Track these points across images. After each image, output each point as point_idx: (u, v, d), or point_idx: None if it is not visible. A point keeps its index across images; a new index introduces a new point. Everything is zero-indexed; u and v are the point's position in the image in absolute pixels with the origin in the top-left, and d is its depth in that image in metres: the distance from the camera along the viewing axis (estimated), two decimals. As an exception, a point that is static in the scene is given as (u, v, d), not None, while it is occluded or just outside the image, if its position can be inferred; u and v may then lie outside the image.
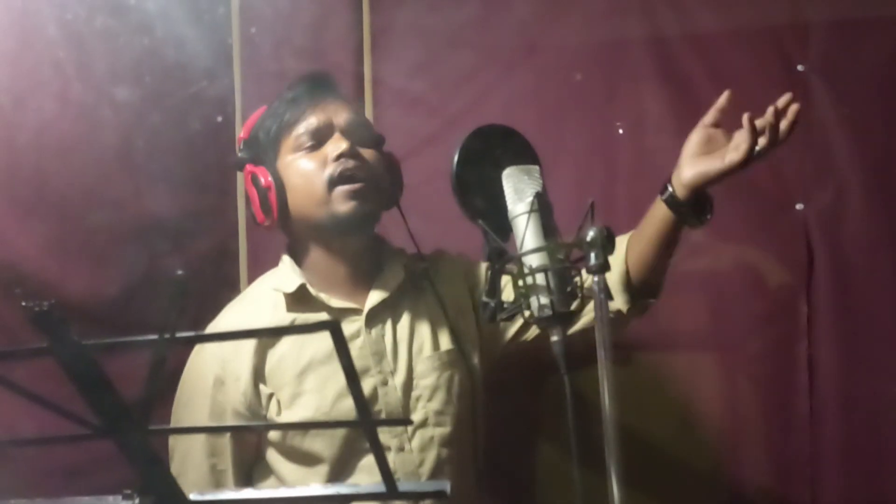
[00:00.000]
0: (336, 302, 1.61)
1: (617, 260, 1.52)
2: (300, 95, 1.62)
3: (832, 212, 1.93)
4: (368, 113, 2.09)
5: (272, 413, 1.58)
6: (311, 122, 1.59)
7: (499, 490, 1.90)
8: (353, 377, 0.90)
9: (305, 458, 1.58)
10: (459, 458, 1.63)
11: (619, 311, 1.56)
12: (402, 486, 1.03)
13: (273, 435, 1.59)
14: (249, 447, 1.62)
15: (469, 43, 2.09)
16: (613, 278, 1.53)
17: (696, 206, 1.47)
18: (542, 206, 1.29)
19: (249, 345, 1.58)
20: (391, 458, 1.57)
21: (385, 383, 1.60)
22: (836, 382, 1.92)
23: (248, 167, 1.62)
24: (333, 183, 1.56)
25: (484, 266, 1.62)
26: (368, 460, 1.54)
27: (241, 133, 1.69)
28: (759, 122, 1.38)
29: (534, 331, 1.65)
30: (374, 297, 1.62)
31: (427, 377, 1.62)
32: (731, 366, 1.99)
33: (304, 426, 1.60)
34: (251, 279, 1.83)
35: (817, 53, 1.93)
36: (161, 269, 1.91)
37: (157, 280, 1.90)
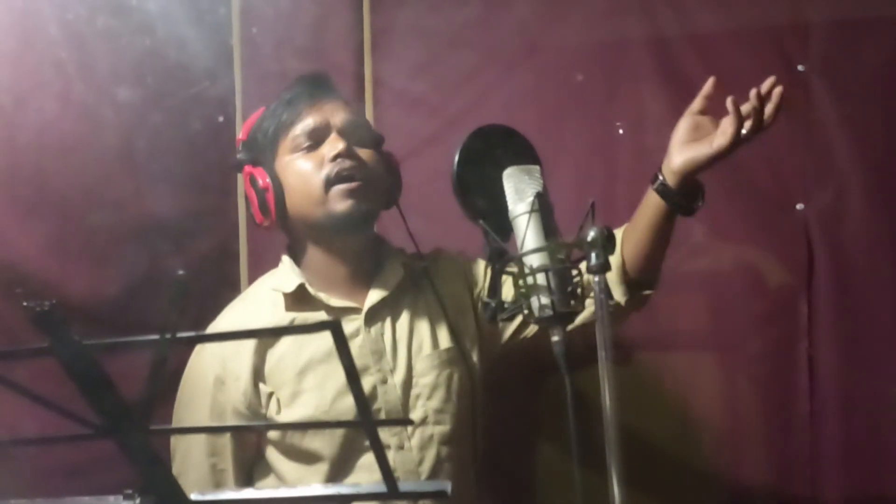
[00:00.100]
0: (335, 301, 1.61)
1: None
2: (297, 96, 1.62)
3: (832, 212, 1.93)
4: (369, 113, 2.10)
5: (272, 412, 1.58)
6: (307, 122, 1.59)
7: (499, 490, 1.91)
8: (353, 377, 0.90)
9: (305, 457, 1.58)
10: (459, 456, 1.63)
11: (616, 304, 1.56)
12: (403, 485, 1.03)
13: (273, 434, 1.60)
14: (250, 446, 1.63)
15: (469, 43, 2.09)
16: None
17: (687, 193, 1.48)
18: (543, 206, 1.30)
19: (249, 344, 1.58)
20: (391, 456, 1.57)
21: (384, 382, 1.60)
22: (836, 382, 1.92)
23: (247, 168, 1.63)
24: (330, 183, 1.56)
25: (483, 264, 1.63)
26: (368, 458, 1.55)
27: (239, 134, 1.69)
28: (744, 108, 1.40)
29: (533, 328, 1.65)
30: (374, 295, 1.63)
31: (426, 375, 1.62)
32: (731, 366, 1.99)
33: (305, 426, 1.61)
34: (252, 279, 1.83)
35: (817, 53, 1.93)
36: (162, 269, 1.92)
37: (157, 280, 1.90)
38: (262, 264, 1.87)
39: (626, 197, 1.96)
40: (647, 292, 1.59)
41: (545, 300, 1.24)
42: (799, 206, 1.94)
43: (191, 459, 1.60)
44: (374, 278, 1.65)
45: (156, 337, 0.87)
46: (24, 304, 0.83)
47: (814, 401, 1.93)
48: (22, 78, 1.81)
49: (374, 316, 1.62)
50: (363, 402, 0.95)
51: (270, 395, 1.58)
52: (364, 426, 1.14)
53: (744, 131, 1.40)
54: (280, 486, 1.58)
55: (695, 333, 2.01)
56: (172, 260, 1.95)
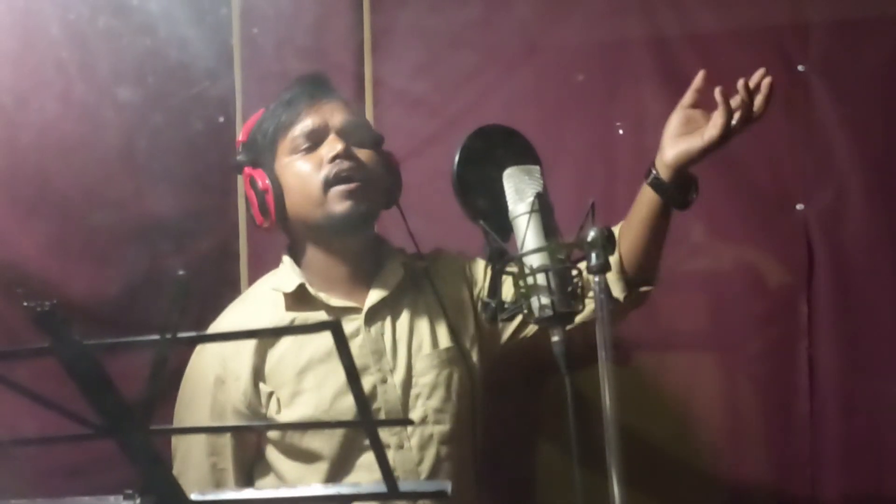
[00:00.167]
0: (335, 301, 1.61)
1: None
2: (296, 97, 1.62)
3: (832, 212, 1.93)
4: (369, 113, 2.10)
5: (272, 411, 1.58)
6: (306, 123, 1.59)
7: (499, 490, 1.91)
8: (353, 376, 0.90)
9: (304, 456, 1.58)
10: (458, 456, 1.63)
11: (615, 300, 1.56)
12: (403, 485, 1.03)
13: (272, 433, 1.60)
14: (250, 446, 1.63)
15: (470, 43, 2.09)
16: None
17: (680, 186, 1.48)
18: (543, 207, 1.30)
19: (250, 344, 1.59)
20: (390, 455, 1.57)
21: (384, 381, 1.60)
22: (836, 382, 1.92)
23: (247, 170, 1.63)
24: (329, 184, 1.56)
25: (483, 264, 1.63)
26: (367, 458, 1.55)
27: (239, 136, 1.69)
28: (734, 100, 1.41)
29: (533, 328, 1.65)
30: (374, 295, 1.63)
31: (426, 375, 1.62)
32: (731, 366, 1.99)
33: (305, 426, 1.61)
34: (252, 279, 1.83)
35: (817, 53, 1.93)
36: (163, 269, 1.92)
37: (158, 280, 1.90)
38: (262, 264, 1.87)
39: (626, 197, 1.95)
40: (646, 289, 1.59)
41: (545, 300, 1.25)
42: (799, 206, 1.94)
43: (191, 459, 1.61)
44: (374, 278, 1.65)
45: (156, 337, 0.87)
46: (25, 303, 0.83)
47: (814, 401, 1.93)
48: (23, 78, 1.81)
49: (374, 316, 1.62)
50: (363, 401, 0.95)
51: (270, 394, 1.58)
52: (364, 426, 1.14)
53: (733, 122, 1.41)
54: (280, 486, 1.58)
55: (695, 333, 2.01)
56: (173, 260, 1.95)
